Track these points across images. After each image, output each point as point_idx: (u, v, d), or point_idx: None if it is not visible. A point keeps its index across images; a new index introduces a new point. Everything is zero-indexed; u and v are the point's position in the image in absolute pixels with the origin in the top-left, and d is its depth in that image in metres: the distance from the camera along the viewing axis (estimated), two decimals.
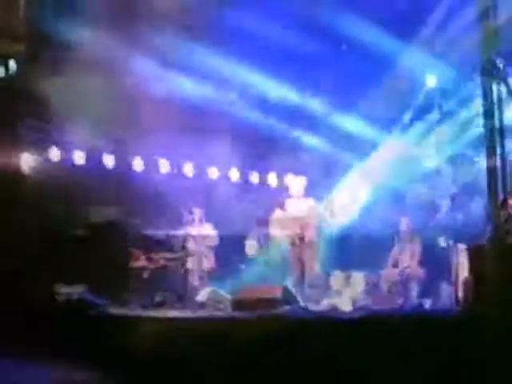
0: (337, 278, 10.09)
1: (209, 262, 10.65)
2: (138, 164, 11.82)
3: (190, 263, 10.56)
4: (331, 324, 6.01)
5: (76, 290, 9.23)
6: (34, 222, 10.02)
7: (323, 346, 5.50)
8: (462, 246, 7.46)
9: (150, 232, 10.52)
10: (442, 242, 8.23)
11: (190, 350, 6.70)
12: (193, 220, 10.71)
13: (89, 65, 10.16)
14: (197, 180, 12.22)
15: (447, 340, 4.89)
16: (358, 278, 10.04)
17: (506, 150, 6.92)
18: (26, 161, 10.63)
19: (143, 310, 9.60)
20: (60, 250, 9.93)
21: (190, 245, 10.59)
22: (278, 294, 7.96)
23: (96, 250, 10.10)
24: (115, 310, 8.56)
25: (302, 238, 9.19)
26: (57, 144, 11.03)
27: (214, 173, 12.53)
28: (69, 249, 10.06)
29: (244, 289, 8.90)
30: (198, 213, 10.72)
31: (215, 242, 10.64)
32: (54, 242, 10.08)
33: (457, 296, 6.92)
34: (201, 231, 10.65)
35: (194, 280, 10.60)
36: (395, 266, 9.58)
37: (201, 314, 8.53)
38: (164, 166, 12.08)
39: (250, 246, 10.51)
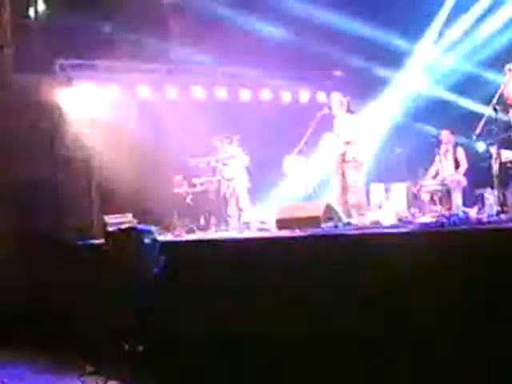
0: (377, 190, 10.15)
1: (249, 183, 10.77)
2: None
3: (231, 186, 10.71)
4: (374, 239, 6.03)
5: (124, 219, 9.51)
6: None
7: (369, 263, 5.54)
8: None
9: (190, 158, 10.64)
10: (484, 148, 8.11)
11: (239, 270, 6.86)
12: (229, 143, 10.76)
13: None
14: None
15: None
16: (399, 190, 10.07)
17: None
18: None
19: (188, 233, 9.89)
20: None
21: (228, 168, 10.69)
22: (321, 210, 8.00)
23: None
24: (163, 236, 8.82)
25: (343, 155, 9.18)
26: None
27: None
28: None
29: (287, 206, 8.96)
30: (233, 137, 10.76)
31: (249, 163, 10.73)
32: None
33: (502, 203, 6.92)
34: (236, 154, 10.72)
35: (237, 202, 10.76)
36: (437, 175, 9.53)
37: (247, 234, 8.72)
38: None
39: (288, 166, 10.54)
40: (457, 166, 9.56)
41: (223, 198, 10.67)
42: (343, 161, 9.20)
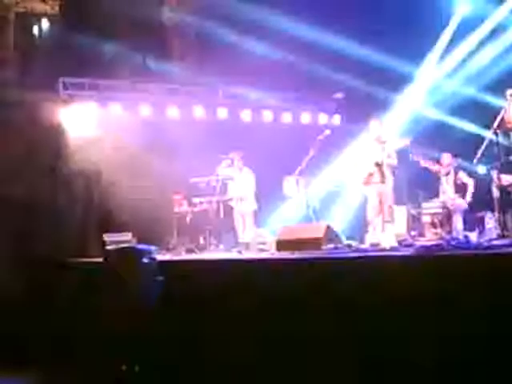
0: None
1: (251, 204, 10.77)
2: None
3: (232, 205, 10.72)
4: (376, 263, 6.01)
5: (123, 238, 9.49)
6: None
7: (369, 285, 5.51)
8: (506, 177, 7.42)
9: (190, 178, 10.65)
10: (484, 171, 8.11)
11: (237, 290, 6.82)
12: (231, 164, 10.78)
13: None
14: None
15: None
16: (399, 213, 10.05)
17: None
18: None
19: (188, 253, 9.86)
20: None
21: (230, 188, 10.72)
22: (322, 232, 7.97)
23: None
24: (163, 256, 8.78)
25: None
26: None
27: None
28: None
29: (288, 228, 8.94)
30: (236, 157, 10.77)
31: (254, 185, 10.74)
32: None
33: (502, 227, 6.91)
34: (239, 174, 10.74)
35: (237, 222, 10.76)
36: (438, 199, 9.53)
37: (247, 255, 8.68)
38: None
39: (289, 187, 10.54)
40: (457, 189, 9.54)
41: (225, 217, 10.68)
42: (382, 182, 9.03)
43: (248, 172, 10.83)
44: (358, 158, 9.04)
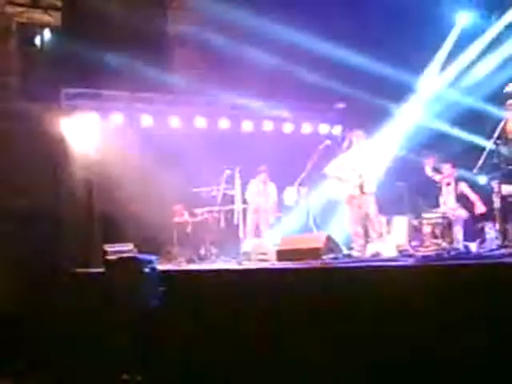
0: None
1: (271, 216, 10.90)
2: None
3: (232, 216, 10.72)
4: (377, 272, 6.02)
5: (125, 248, 9.50)
6: None
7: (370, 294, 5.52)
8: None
9: (191, 189, 10.68)
10: (485, 181, 8.11)
11: (239, 301, 6.83)
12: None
13: None
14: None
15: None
16: (400, 223, 10.05)
17: None
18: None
19: (189, 263, 9.86)
20: None
21: (251, 200, 10.83)
22: (322, 242, 7.99)
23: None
24: (164, 266, 8.79)
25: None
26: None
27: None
28: None
29: (288, 238, 8.95)
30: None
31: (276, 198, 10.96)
32: None
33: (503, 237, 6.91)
34: (263, 187, 10.86)
35: (238, 232, 10.77)
36: (438, 209, 9.52)
37: (247, 265, 8.69)
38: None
39: (289, 196, 10.57)
40: (458, 199, 9.52)
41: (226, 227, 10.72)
42: (362, 193, 9.10)
43: (272, 186, 11.01)
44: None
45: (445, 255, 6.20)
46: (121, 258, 7.56)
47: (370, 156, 9.24)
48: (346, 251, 8.54)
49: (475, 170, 7.47)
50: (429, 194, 9.66)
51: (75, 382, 8.32)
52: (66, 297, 9.45)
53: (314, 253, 7.78)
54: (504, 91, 8.16)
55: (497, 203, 7.32)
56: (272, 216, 10.90)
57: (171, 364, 7.35)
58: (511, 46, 10.95)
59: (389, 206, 10.30)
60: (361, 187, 8.98)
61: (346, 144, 9.48)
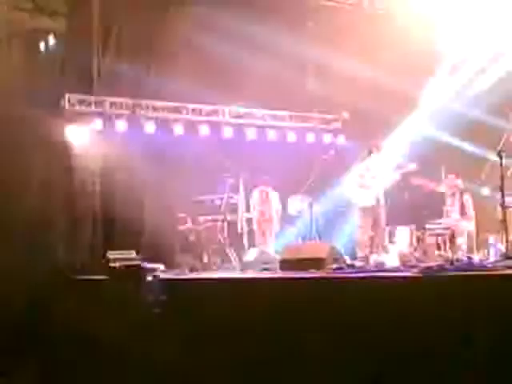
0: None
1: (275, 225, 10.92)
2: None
3: (236, 225, 10.73)
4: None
5: (128, 256, 9.47)
6: None
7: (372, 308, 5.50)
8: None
9: (194, 197, 10.68)
10: (488, 193, 8.12)
11: (240, 309, 6.80)
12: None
13: None
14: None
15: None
16: (403, 233, 10.04)
17: None
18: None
19: (191, 271, 9.84)
20: None
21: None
22: (325, 252, 7.96)
23: None
24: (166, 274, 8.76)
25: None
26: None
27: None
28: None
29: (291, 247, 8.93)
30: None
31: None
32: None
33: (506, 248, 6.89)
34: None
35: (241, 240, 10.78)
36: (443, 220, 9.52)
37: (250, 274, 8.67)
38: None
39: (292, 205, 10.59)
40: (462, 211, 9.52)
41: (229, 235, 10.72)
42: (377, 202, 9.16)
43: (275, 195, 11.05)
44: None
45: (448, 266, 6.16)
46: (123, 266, 7.54)
47: (381, 167, 9.31)
48: (349, 261, 8.51)
49: (479, 182, 7.47)
50: (433, 204, 9.64)
51: None
52: (66, 305, 9.42)
53: (318, 263, 7.73)
54: None
55: (500, 214, 7.30)
56: (275, 225, 10.90)
57: (172, 372, 7.32)
58: None
59: (392, 216, 10.30)
60: (377, 197, 9.03)
61: (365, 153, 9.54)
